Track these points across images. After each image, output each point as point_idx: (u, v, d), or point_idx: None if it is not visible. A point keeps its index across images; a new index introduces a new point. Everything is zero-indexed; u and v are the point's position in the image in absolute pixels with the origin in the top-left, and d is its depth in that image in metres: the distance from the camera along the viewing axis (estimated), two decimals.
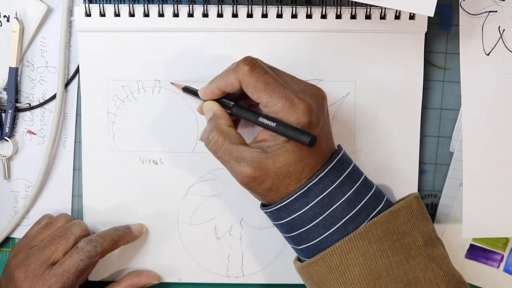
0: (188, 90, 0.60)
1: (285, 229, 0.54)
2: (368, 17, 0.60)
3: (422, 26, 0.61)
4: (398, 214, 0.53)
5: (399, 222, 0.53)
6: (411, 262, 0.52)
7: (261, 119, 0.52)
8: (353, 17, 0.60)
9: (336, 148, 0.55)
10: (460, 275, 0.55)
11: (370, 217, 0.53)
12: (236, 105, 0.55)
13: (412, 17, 0.61)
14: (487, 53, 0.61)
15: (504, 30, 0.61)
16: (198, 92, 0.57)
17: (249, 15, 0.61)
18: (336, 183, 0.52)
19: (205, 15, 0.61)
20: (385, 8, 0.60)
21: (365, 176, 0.55)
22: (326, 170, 0.52)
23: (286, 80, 0.53)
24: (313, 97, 0.52)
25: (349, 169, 0.53)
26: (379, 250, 0.52)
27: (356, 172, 0.54)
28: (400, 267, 0.52)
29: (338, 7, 0.60)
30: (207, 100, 0.57)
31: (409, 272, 0.52)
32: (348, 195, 0.52)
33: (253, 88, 0.52)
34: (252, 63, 0.52)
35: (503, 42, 0.61)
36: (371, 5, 0.60)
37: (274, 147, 0.51)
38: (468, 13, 0.61)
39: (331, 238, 0.52)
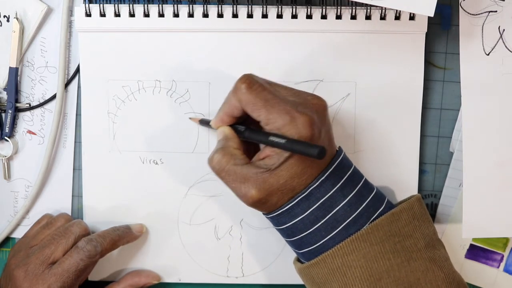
0: (204, 122, 0.60)
1: (286, 234, 0.54)
2: (368, 17, 0.60)
3: (422, 26, 0.61)
4: (400, 216, 0.53)
5: (401, 224, 0.53)
6: (412, 264, 0.52)
7: (271, 138, 0.51)
8: (353, 17, 0.60)
9: (336, 150, 0.55)
10: (461, 277, 0.55)
11: (372, 219, 0.53)
12: (248, 129, 0.54)
13: (412, 17, 0.60)
14: (487, 53, 0.61)
15: (504, 30, 0.60)
16: (210, 123, 0.57)
17: (249, 16, 0.61)
18: (337, 186, 0.52)
19: (205, 15, 0.61)
20: (385, 8, 0.60)
21: (365, 179, 0.55)
22: (327, 173, 0.52)
23: (284, 95, 0.53)
24: (314, 108, 0.52)
25: (349, 172, 0.53)
26: (381, 252, 0.52)
27: (357, 175, 0.54)
28: (401, 269, 0.52)
29: (338, 7, 0.60)
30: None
31: (410, 274, 0.52)
32: (349, 198, 0.52)
33: (252, 106, 0.52)
34: (248, 81, 0.52)
35: (503, 42, 0.61)
36: (371, 6, 0.59)
37: (277, 163, 0.51)
38: (468, 13, 0.61)
39: (333, 240, 0.52)
